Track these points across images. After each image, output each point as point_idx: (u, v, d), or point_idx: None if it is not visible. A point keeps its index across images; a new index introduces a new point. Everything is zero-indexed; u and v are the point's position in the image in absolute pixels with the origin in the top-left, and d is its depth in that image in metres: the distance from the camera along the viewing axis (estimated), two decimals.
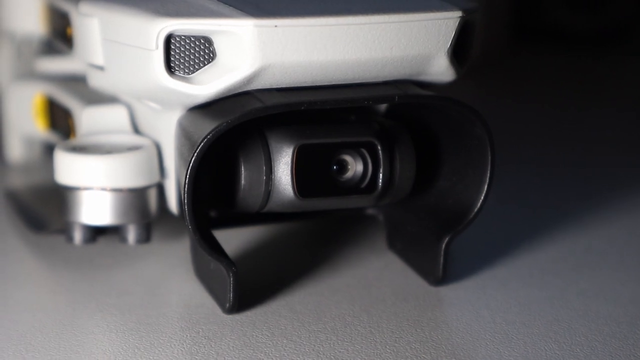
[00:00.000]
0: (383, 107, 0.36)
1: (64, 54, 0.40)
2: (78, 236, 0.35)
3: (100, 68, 0.34)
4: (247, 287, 0.33)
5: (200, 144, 0.29)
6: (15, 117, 0.43)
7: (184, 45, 0.30)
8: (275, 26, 0.29)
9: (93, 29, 0.33)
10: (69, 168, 0.34)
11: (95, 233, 0.35)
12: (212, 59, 0.30)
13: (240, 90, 0.31)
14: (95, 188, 0.34)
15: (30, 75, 0.43)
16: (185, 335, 0.30)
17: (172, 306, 0.32)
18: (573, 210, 0.41)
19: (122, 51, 0.32)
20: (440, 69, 0.32)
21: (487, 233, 0.38)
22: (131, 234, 0.35)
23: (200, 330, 0.31)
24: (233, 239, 0.36)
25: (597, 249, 0.38)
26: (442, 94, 0.32)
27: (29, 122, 0.42)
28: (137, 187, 0.34)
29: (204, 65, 0.30)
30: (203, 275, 0.33)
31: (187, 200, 0.30)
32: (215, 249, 0.31)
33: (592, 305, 0.33)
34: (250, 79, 0.30)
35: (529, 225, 0.39)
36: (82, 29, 0.34)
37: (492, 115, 0.57)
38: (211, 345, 0.30)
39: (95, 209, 0.34)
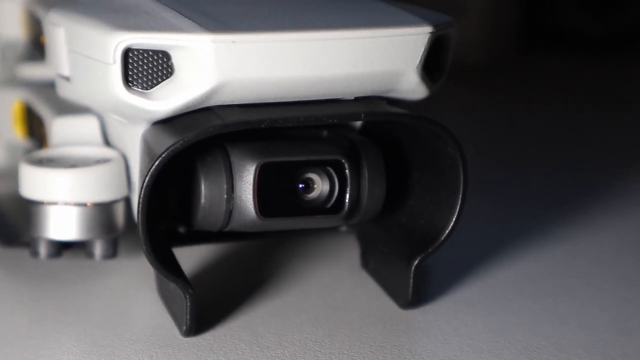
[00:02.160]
0: (358, 123, 0.34)
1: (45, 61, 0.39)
2: (43, 251, 0.34)
3: (67, 79, 0.33)
4: (210, 306, 0.32)
5: (154, 163, 0.29)
6: None
7: (142, 60, 0.29)
8: (233, 42, 0.28)
9: (60, 39, 0.32)
10: (34, 182, 0.33)
11: (61, 248, 0.34)
12: (171, 74, 0.29)
13: (201, 106, 0.30)
14: (60, 202, 0.33)
15: (11, 81, 0.42)
16: (137, 359, 0.29)
17: (130, 327, 0.31)
18: (560, 224, 0.40)
19: (85, 63, 0.31)
20: (411, 86, 0.31)
21: (466, 251, 0.37)
22: (97, 249, 0.34)
23: (154, 354, 0.30)
24: (200, 256, 0.35)
25: (580, 270, 0.36)
26: (413, 112, 0.31)
27: (8, 129, 0.41)
28: (104, 201, 0.33)
29: (163, 80, 0.29)
30: (164, 295, 0.32)
31: (141, 219, 0.29)
32: (172, 269, 0.30)
33: (566, 333, 0.32)
34: (209, 96, 0.29)
35: (512, 241, 0.38)
36: (51, 38, 0.33)
37: (498, 119, 0.57)
38: None
39: (61, 223, 0.33)
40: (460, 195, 0.32)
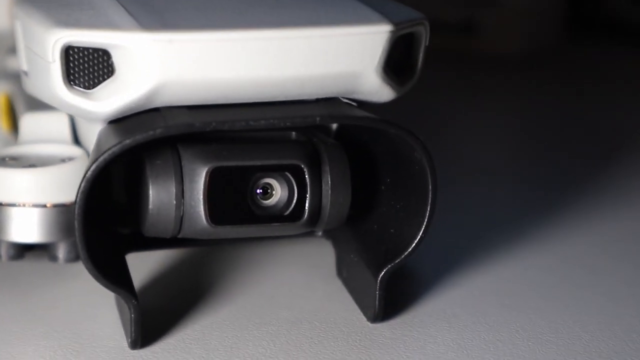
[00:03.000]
0: (334, 126, 0.33)
1: None
2: (4, 253, 0.33)
3: (25, 73, 0.31)
4: (166, 315, 0.31)
5: (89, 168, 0.27)
6: None
7: (83, 58, 0.28)
8: (170, 41, 0.26)
9: (18, 33, 0.31)
10: None
11: (23, 250, 0.33)
12: (112, 73, 0.28)
13: (146, 107, 0.28)
14: (19, 204, 0.32)
15: (1, 73, 0.41)
16: None
17: (79, 336, 0.30)
18: (553, 226, 0.38)
19: (34, 59, 0.30)
20: (373, 88, 0.29)
21: (445, 256, 0.35)
22: (61, 252, 0.33)
23: None
24: (159, 259, 0.34)
25: (571, 278, 0.34)
26: (375, 116, 0.29)
27: None
28: (65, 202, 0.32)
29: (104, 80, 0.28)
30: (118, 303, 0.31)
31: (77, 225, 0.27)
32: (117, 277, 0.29)
33: (538, 350, 0.29)
34: (151, 96, 0.28)
35: (502, 247, 0.36)
36: (14, 31, 0.32)
37: (537, 111, 0.54)
38: None
39: (21, 225, 0.32)
40: (429, 204, 0.29)
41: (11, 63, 0.40)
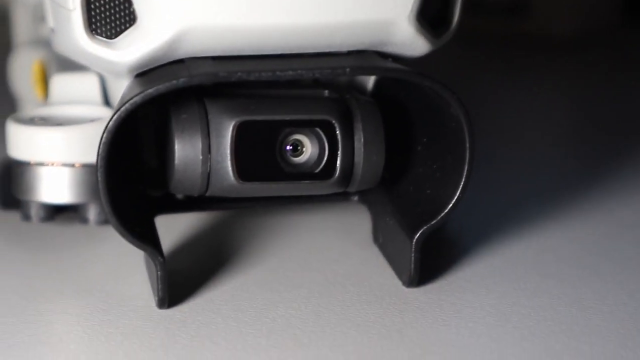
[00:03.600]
0: (370, 83, 0.31)
1: None
2: (35, 214, 0.32)
3: (52, 31, 0.31)
4: (193, 277, 0.30)
5: (111, 118, 0.26)
6: (19, 83, 0.41)
7: (104, 6, 0.27)
8: None
9: None
10: (19, 141, 0.32)
11: (54, 212, 0.32)
12: (134, 21, 0.27)
13: (171, 58, 0.27)
14: (47, 163, 0.31)
15: (34, 41, 0.40)
16: (102, 331, 0.27)
17: (106, 296, 0.29)
18: (598, 199, 0.36)
19: (57, 11, 0.29)
20: (406, 39, 0.28)
21: (484, 223, 0.34)
22: (91, 214, 0.32)
23: (121, 325, 0.28)
24: (188, 222, 0.33)
25: (608, 251, 0.32)
26: (410, 68, 0.28)
27: (30, 90, 0.40)
28: (94, 162, 0.31)
29: (126, 28, 0.27)
30: (147, 263, 0.30)
31: (100, 179, 0.27)
32: (144, 235, 0.28)
33: (580, 320, 0.28)
34: (173, 45, 0.27)
35: (544, 217, 0.35)
36: None
37: (590, 95, 0.52)
38: (123, 344, 0.27)
39: (51, 185, 0.32)
40: (467, 162, 0.28)
41: (45, 32, 0.39)
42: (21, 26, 0.43)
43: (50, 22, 0.31)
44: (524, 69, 0.58)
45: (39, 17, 0.41)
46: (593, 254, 0.32)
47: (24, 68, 0.40)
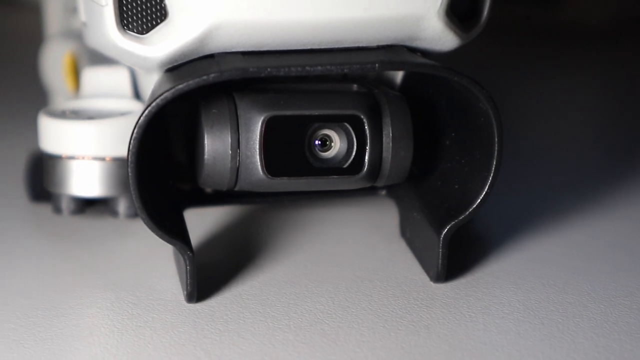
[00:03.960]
0: (399, 78, 0.31)
1: None
2: (65, 207, 0.32)
3: (84, 25, 0.31)
4: (221, 271, 0.30)
5: (142, 114, 0.26)
6: (50, 75, 0.41)
7: (136, 2, 0.27)
8: None
9: None
10: (50, 134, 0.32)
11: (84, 204, 0.33)
12: (165, 17, 0.27)
13: (201, 53, 0.28)
14: (78, 157, 0.32)
15: (65, 33, 0.41)
16: (131, 324, 0.27)
17: (136, 289, 0.29)
18: (626, 192, 0.36)
19: (89, 6, 0.29)
20: (435, 34, 0.28)
21: (513, 218, 0.34)
22: (121, 207, 0.32)
23: (150, 319, 0.28)
24: (217, 216, 0.33)
25: (632, 245, 0.32)
26: (439, 64, 0.28)
27: (61, 81, 0.40)
28: (124, 156, 0.31)
29: (158, 23, 0.27)
30: (176, 257, 0.30)
31: (131, 173, 0.27)
32: (170, 230, 0.28)
33: (610, 317, 0.28)
34: (203, 40, 0.27)
35: (572, 211, 0.34)
36: None
37: (621, 88, 0.52)
38: (152, 337, 0.27)
39: (81, 178, 0.32)
40: (495, 157, 0.28)
41: (76, 24, 0.39)
42: (53, 18, 0.43)
43: (83, 16, 0.31)
44: (556, 58, 0.57)
45: (71, 8, 0.41)
46: (623, 249, 0.32)
47: (55, 60, 0.40)
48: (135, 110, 0.32)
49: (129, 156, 0.27)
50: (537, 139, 0.43)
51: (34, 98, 0.45)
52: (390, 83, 0.31)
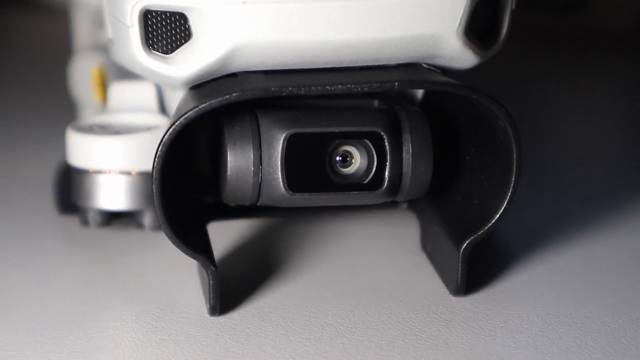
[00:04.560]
0: (419, 94, 0.32)
1: None
2: (92, 220, 0.33)
3: (111, 41, 0.32)
4: (243, 284, 0.31)
5: (166, 133, 0.27)
6: (78, 87, 0.42)
7: (161, 22, 0.28)
8: (244, 2, 0.26)
9: (104, 1, 0.32)
10: (78, 149, 0.33)
11: (111, 217, 0.33)
12: (189, 37, 0.28)
13: (224, 72, 0.28)
14: (105, 171, 0.32)
15: (94, 46, 0.41)
16: (155, 337, 0.28)
17: (160, 302, 0.30)
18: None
19: (116, 25, 0.30)
20: (454, 52, 0.28)
21: (534, 231, 0.34)
22: (147, 220, 0.33)
23: (174, 332, 0.28)
24: (240, 229, 0.34)
25: None
26: (458, 82, 0.28)
27: (89, 94, 0.41)
28: (150, 170, 0.32)
29: (182, 44, 0.28)
30: (200, 271, 0.31)
31: (155, 189, 0.27)
32: (193, 244, 0.29)
33: (629, 328, 0.28)
34: (227, 60, 0.27)
35: (592, 225, 0.35)
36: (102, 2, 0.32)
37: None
38: (176, 351, 0.27)
39: (108, 192, 0.32)
40: (514, 174, 0.29)
41: (104, 37, 0.40)
42: (81, 31, 0.44)
43: (110, 33, 0.31)
44: (579, 63, 0.57)
45: (99, 22, 0.42)
46: None
47: (83, 72, 0.41)
48: (161, 125, 0.33)
49: (154, 173, 0.27)
50: (558, 147, 0.43)
51: (62, 109, 0.46)
52: (411, 99, 0.32)
